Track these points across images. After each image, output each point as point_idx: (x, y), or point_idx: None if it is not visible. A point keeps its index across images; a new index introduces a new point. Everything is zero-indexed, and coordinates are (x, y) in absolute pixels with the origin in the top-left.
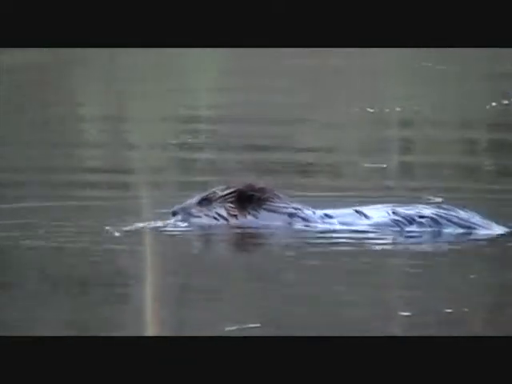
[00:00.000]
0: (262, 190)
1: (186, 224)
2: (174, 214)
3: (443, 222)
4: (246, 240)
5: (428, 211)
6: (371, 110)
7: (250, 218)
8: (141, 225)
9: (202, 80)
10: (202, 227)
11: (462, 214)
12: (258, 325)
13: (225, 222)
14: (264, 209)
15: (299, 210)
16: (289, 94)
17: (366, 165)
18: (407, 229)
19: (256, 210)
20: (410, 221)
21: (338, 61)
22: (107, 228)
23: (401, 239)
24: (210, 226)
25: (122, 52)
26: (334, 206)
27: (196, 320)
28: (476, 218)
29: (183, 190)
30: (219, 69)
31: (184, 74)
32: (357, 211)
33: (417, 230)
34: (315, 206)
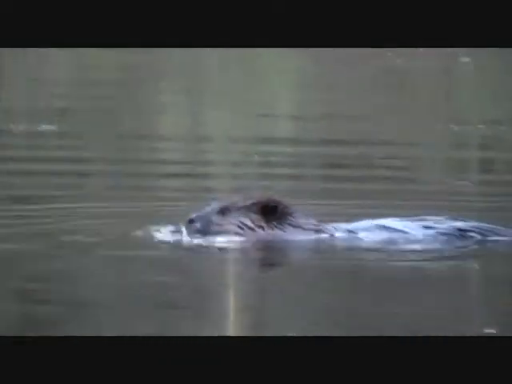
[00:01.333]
0: (279, 204)
1: (207, 233)
2: (191, 221)
3: (487, 233)
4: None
5: (450, 223)
6: (455, 128)
7: (276, 231)
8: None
9: (279, 79)
10: (231, 236)
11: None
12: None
13: (251, 232)
14: (289, 224)
15: (321, 225)
16: (368, 101)
17: (448, 181)
18: (458, 241)
19: (281, 225)
20: (459, 232)
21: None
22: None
23: (452, 252)
24: (238, 236)
25: (200, 51)
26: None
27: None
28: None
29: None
30: (296, 68)
31: (261, 73)
32: (382, 226)
33: (464, 241)
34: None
